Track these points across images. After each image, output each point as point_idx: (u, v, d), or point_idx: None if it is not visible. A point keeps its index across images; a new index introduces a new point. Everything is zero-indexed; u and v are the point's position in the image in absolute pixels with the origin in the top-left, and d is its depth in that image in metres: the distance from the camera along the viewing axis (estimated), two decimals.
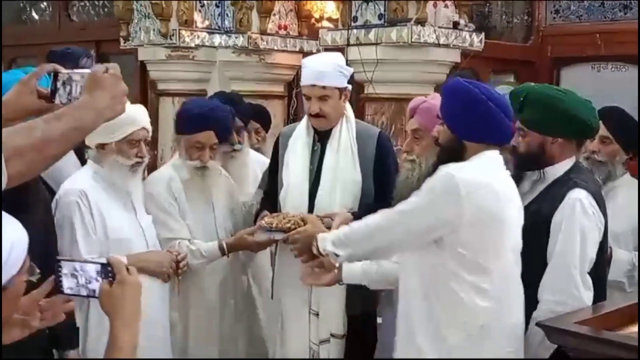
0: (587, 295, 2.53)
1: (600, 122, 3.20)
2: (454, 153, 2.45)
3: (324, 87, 3.15)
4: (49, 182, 3.00)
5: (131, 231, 3.00)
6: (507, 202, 2.40)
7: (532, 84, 3.05)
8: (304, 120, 3.33)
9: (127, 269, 1.66)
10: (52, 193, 2.94)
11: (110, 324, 1.62)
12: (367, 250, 2.58)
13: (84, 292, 1.68)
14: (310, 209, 3.18)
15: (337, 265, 2.79)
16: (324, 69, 3.17)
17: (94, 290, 1.67)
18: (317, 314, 3.18)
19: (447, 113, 2.51)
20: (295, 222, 3.03)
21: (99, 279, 1.66)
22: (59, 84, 1.83)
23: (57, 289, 1.71)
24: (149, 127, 2.99)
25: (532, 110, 2.70)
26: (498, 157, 2.46)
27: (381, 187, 3.15)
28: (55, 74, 1.83)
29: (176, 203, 3.28)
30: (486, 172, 2.38)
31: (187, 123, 3.26)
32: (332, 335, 3.17)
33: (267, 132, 4.25)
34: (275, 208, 3.27)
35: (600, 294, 2.62)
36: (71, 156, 3.13)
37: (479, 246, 2.33)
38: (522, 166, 2.76)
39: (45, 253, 2.15)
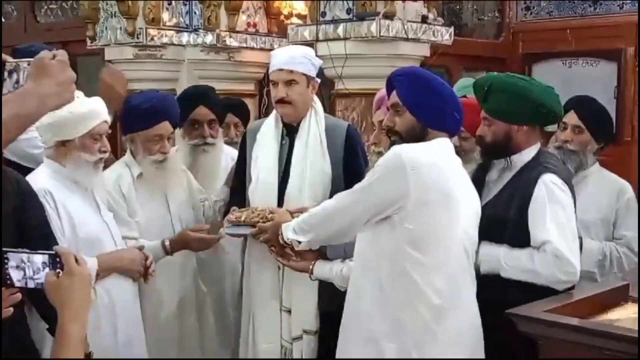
0: (579, 268, 2.54)
1: (573, 111, 3.29)
2: (416, 141, 2.47)
3: (291, 71, 3.14)
4: (9, 156, 2.96)
5: (98, 229, 2.91)
6: (455, 183, 2.44)
7: (495, 73, 3.08)
8: (272, 115, 3.30)
9: (76, 260, 1.59)
10: (15, 166, 2.85)
11: (58, 315, 1.56)
12: (329, 233, 2.61)
13: (31, 284, 1.62)
14: (280, 203, 3.14)
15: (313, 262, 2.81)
16: (292, 54, 3.19)
17: (41, 283, 1.61)
18: (289, 311, 3.14)
19: (414, 101, 2.51)
20: (263, 217, 2.99)
21: (47, 270, 1.60)
22: (5, 74, 1.77)
23: (4, 281, 1.64)
24: (109, 119, 2.93)
25: (497, 100, 2.73)
26: (449, 143, 2.53)
27: (351, 177, 3.10)
28: (2, 64, 1.78)
29: (124, 202, 3.18)
30: (435, 153, 2.43)
31: (140, 119, 3.21)
32: (304, 331, 3.13)
33: (245, 127, 4.17)
34: (243, 204, 3.22)
35: None
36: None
37: (426, 221, 2.36)
38: (489, 155, 2.81)
39: None
